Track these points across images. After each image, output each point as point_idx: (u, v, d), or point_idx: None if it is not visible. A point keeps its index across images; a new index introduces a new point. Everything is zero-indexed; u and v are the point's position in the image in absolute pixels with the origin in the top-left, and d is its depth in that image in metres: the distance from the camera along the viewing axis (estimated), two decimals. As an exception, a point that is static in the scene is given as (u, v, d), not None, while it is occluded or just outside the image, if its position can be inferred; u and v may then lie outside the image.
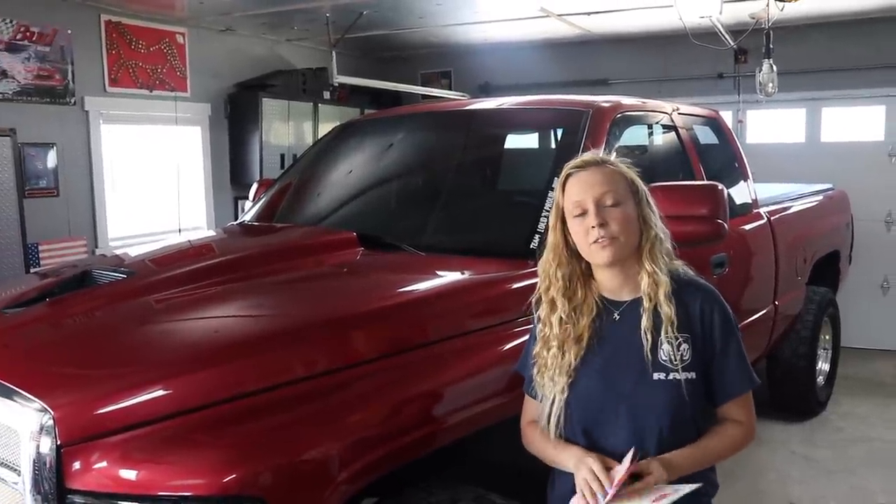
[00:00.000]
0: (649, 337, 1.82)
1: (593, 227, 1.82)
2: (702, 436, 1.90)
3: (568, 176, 1.91)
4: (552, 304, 1.91)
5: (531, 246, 2.65)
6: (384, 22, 6.41)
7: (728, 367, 1.90)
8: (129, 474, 1.69)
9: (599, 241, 1.81)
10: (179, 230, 5.95)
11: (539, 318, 1.96)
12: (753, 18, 5.44)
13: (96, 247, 5.59)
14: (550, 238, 1.94)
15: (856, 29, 6.50)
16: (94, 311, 2.31)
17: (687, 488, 1.75)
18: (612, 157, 1.95)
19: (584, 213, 1.84)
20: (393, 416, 2.01)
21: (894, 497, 4.01)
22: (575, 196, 1.86)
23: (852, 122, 6.85)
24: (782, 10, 4.94)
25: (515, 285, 2.48)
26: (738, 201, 4.04)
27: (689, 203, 2.62)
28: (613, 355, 1.87)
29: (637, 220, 1.87)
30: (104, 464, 1.69)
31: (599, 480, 1.74)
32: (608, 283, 1.91)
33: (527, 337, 2.13)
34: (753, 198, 4.26)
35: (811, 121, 6.97)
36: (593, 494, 1.73)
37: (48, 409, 1.75)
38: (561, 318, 1.88)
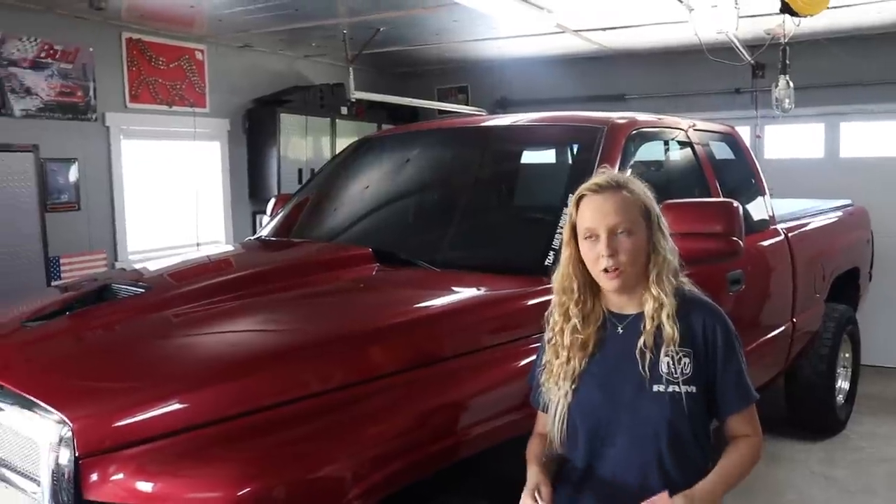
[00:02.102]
0: (648, 354, 1.85)
1: (603, 256, 1.85)
2: (707, 456, 1.90)
3: (582, 196, 1.92)
4: (566, 314, 1.94)
5: (546, 263, 2.66)
6: (401, 38, 6.46)
7: (730, 383, 1.91)
8: (145, 486, 1.71)
9: (608, 270, 1.85)
10: (198, 244, 6.00)
11: (550, 329, 1.99)
12: (769, 34, 5.43)
13: (116, 260, 5.65)
14: (564, 252, 1.96)
15: (873, 43, 6.47)
16: (113, 324, 2.35)
17: None
18: (628, 176, 1.96)
19: (594, 238, 1.87)
20: (407, 431, 2.02)
21: (915, 518, 3.96)
22: (587, 222, 1.88)
23: (872, 137, 6.80)
24: (798, 25, 4.93)
25: (530, 302, 2.49)
26: (754, 217, 4.02)
27: (704, 220, 2.62)
28: (616, 366, 1.91)
29: (647, 245, 1.89)
30: (121, 476, 1.71)
31: None
32: (614, 300, 1.96)
33: None
34: (771, 214, 4.24)
35: (830, 136, 6.94)
36: None
37: (67, 420, 1.77)
38: (575, 326, 1.92)
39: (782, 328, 4.17)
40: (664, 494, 1.75)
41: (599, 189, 1.91)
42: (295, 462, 1.81)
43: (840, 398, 5.15)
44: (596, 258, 1.86)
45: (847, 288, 5.23)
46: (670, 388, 1.84)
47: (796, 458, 4.67)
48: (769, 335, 4.01)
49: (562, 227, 2.69)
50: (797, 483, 4.35)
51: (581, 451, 1.91)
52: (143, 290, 2.59)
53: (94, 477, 1.72)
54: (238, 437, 1.81)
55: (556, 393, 1.93)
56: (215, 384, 1.92)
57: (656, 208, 1.94)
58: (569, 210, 1.96)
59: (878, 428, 5.23)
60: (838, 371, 5.03)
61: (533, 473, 1.92)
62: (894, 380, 6.34)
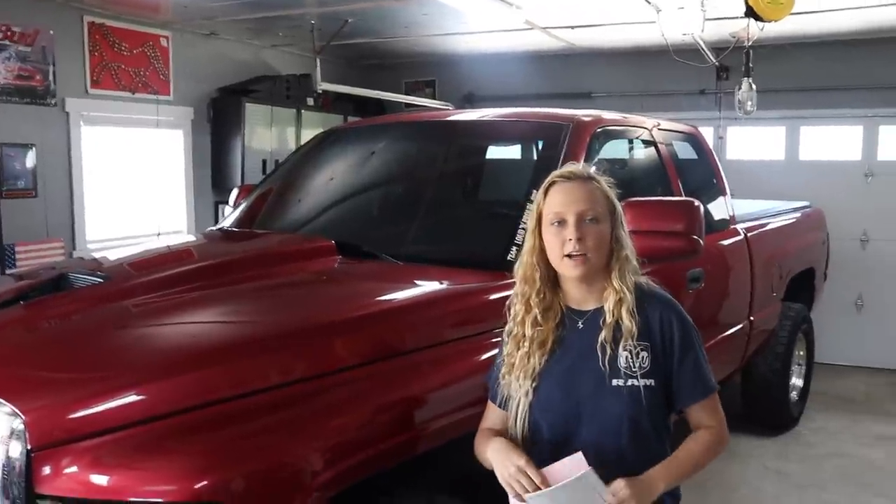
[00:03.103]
0: (608, 348, 1.87)
1: (570, 239, 1.85)
2: (667, 449, 1.93)
3: (552, 184, 1.94)
4: (527, 305, 1.95)
5: (508, 258, 2.67)
6: (369, 30, 6.43)
7: (687, 374, 1.94)
8: (99, 480, 1.69)
9: (574, 255, 1.85)
10: (158, 234, 5.92)
11: (511, 319, 1.99)
12: (734, 37, 5.50)
13: (74, 249, 5.55)
14: (528, 242, 1.97)
15: (836, 49, 6.60)
16: (69, 315, 2.31)
17: None
18: (597, 173, 1.98)
19: (562, 223, 1.88)
20: (366, 424, 2.02)
21: (864, 512, 4.06)
22: (557, 206, 1.89)
23: (830, 141, 6.95)
24: (762, 29, 5.00)
25: (492, 296, 2.49)
26: (715, 217, 4.08)
27: (665, 218, 2.65)
28: (575, 362, 1.92)
29: (610, 239, 1.91)
30: (74, 469, 1.69)
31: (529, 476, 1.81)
32: (574, 293, 1.96)
33: None
34: (731, 214, 4.31)
35: (790, 139, 7.07)
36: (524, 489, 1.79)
37: (19, 413, 1.74)
38: (535, 318, 1.92)
39: (740, 326, 4.24)
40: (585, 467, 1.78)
41: (571, 177, 1.93)
42: (254, 454, 1.80)
43: (794, 395, 5.26)
44: (562, 243, 1.87)
45: (803, 287, 5.34)
46: (629, 382, 1.87)
47: (751, 453, 4.77)
48: (727, 333, 4.08)
49: (525, 222, 2.73)
50: (750, 478, 4.43)
51: (543, 447, 1.91)
52: (100, 280, 2.55)
53: (47, 470, 1.69)
54: (196, 429, 1.79)
55: (516, 390, 1.93)
56: (173, 375, 1.90)
57: (620, 207, 1.96)
58: (536, 199, 1.96)
59: (828, 423, 5.35)
60: (793, 368, 5.13)
61: (504, 447, 1.90)
62: (845, 377, 6.49)
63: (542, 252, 1.93)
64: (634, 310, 1.88)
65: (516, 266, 2.01)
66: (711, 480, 4.14)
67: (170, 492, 1.67)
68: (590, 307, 1.94)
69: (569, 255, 1.86)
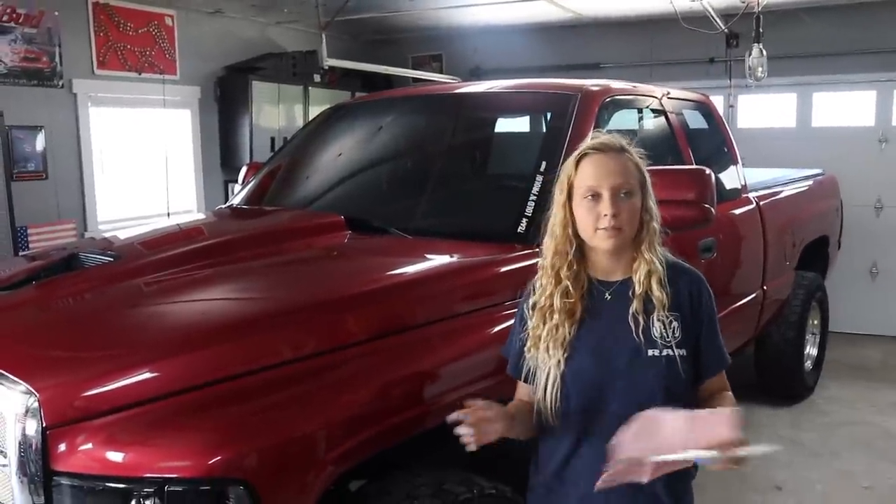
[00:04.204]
0: (641, 319, 1.85)
1: (606, 215, 1.81)
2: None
3: (584, 155, 1.89)
4: (557, 277, 1.91)
5: (518, 230, 2.66)
6: (374, 4, 6.38)
7: (712, 346, 1.94)
8: (114, 456, 1.70)
9: (608, 229, 1.82)
10: (168, 213, 5.93)
11: (536, 292, 1.95)
12: (744, 2, 5.43)
13: (85, 230, 5.57)
14: (559, 214, 1.91)
15: (847, 13, 6.50)
16: (81, 294, 2.32)
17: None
18: (628, 141, 1.93)
19: (595, 197, 1.83)
20: (379, 398, 2.03)
21: (878, 480, 4.05)
22: (590, 179, 1.84)
23: (843, 107, 6.86)
24: (773, -6, 4.94)
25: (503, 269, 2.49)
26: (727, 186, 4.04)
27: (677, 187, 2.61)
28: (607, 333, 1.89)
29: (641, 210, 1.88)
30: (89, 446, 1.70)
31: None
32: (602, 264, 1.92)
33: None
34: (743, 183, 4.27)
35: (802, 106, 6.98)
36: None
37: (34, 391, 1.75)
38: (566, 290, 1.89)
39: (753, 295, 4.22)
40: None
41: (604, 148, 1.87)
42: (267, 430, 1.81)
43: (808, 364, 5.23)
44: (597, 217, 1.82)
45: (817, 256, 5.29)
46: (665, 352, 1.85)
47: (764, 422, 4.76)
48: (740, 302, 4.06)
49: (535, 194, 2.72)
50: (765, 447, 4.42)
51: (573, 419, 1.89)
52: (111, 259, 2.56)
53: (62, 447, 1.70)
54: (209, 405, 1.80)
55: (545, 361, 1.89)
56: (185, 352, 1.90)
57: (649, 177, 1.92)
58: (565, 170, 1.90)
59: (843, 392, 5.34)
60: (807, 338, 5.10)
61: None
62: (859, 346, 6.46)
63: (572, 224, 1.89)
64: (666, 281, 1.86)
65: (546, 239, 1.96)
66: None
67: (184, 467, 1.69)
68: (617, 278, 1.91)
69: (604, 229, 1.83)
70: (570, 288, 1.89)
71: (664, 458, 1.64)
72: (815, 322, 5.30)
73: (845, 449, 4.42)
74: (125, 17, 5.78)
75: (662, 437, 1.66)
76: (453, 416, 1.72)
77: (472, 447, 1.72)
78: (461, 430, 1.71)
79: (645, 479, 1.67)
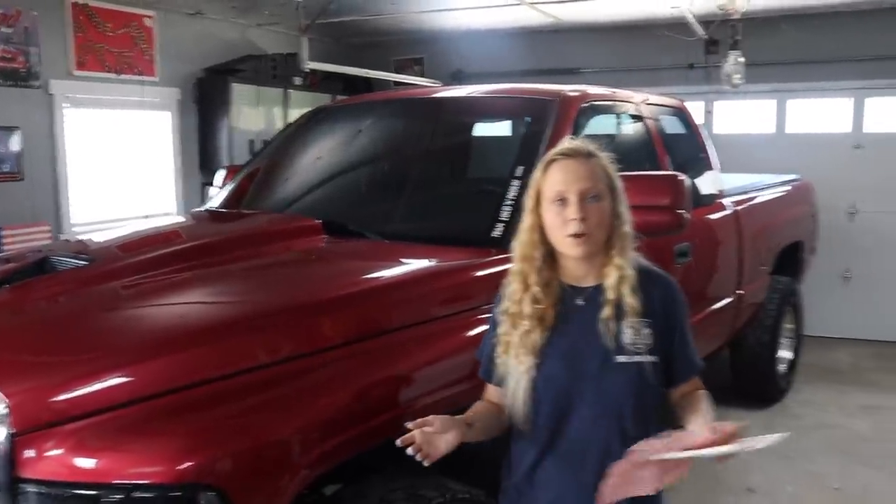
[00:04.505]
0: (612, 325, 1.86)
1: (573, 219, 1.82)
2: (662, 425, 1.93)
3: (552, 161, 1.90)
4: (525, 283, 1.91)
5: (494, 235, 2.67)
6: (356, 7, 6.37)
7: (684, 353, 1.95)
8: (84, 462, 1.69)
9: (576, 234, 1.82)
10: (146, 216, 5.89)
11: (506, 298, 1.96)
12: (722, 10, 5.48)
13: (60, 232, 5.52)
14: (527, 220, 1.92)
15: (824, 22, 6.58)
16: (54, 297, 2.30)
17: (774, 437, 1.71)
18: (597, 146, 1.94)
19: (563, 202, 1.84)
20: (355, 402, 2.03)
21: (847, 482, 4.10)
22: (558, 184, 1.85)
23: (819, 114, 6.95)
24: (750, 1, 4.98)
25: (478, 273, 2.50)
26: (703, 191, 4.07)
27: (651, 193, 2.63)
28: (578, 339, 1.90)
29: (611, 216, 1.88)
30: (59, 452, 1.69)
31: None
32: (573, 270, 1.93)
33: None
34: (719, 188, 4.31)
35: (779, 112, 7.06)
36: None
37: (3, 397, 1.73)
38: (534, 296, 1.89)
39: (728, 300, 4.26)
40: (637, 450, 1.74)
41: (572, 153, 1.88)
42: (240, 434, 1.80)
43: (782, 367, 5.29)
44: (563, 223, 1.83)
45: (791, 261, 5.35)
46: (634, 359, 1.86)
47: (739, 426, 4.79)
48: (715, 306, 4.10)
49: (511, 199, 2.74)
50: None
51: (543, 424, 1.90)
52: (85, 262, 2.54)
53: (31, 454, 1.69)
54: (182, 410, 1.79)
55: (516, 368, 1.90)
56: (158, 356, 1.89)
57: (620, 182, 1.93)
58: (535, 176, 1.92)
59: (816, 395, 5.40)
60: (781, 341, 5.16)
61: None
62: (832, 349, 6.53)
63: (541, 230, 1.90)
64: (637, 287, 1.87)
65: (514, 244, 1.97)
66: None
67: (155, 473, 1.67)
68: (589, 284, 1.92)
69: (572, 235, 1.84)
70: (539, 294, 1.89)
71: (668, 456, 1.66)
72: (790, 326, 5.35)
73: (817, 451, 4.47)
74: (104, 17, 5.74)
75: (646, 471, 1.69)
76: (399, 442, 1.72)
77: (425, 463, 1.73)
78: (409, 452, 1.71)
79: (650, 491, 1.69)
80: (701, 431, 1.72)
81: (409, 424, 1.74)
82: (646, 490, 1.70)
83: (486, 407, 1.98)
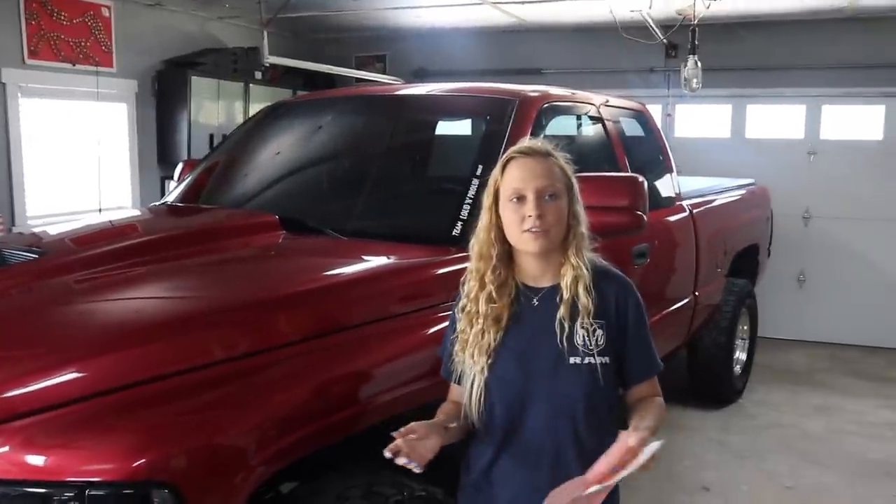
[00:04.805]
0: (566, 325, 1.87)
1: (530, 216, 1.83)
2: (617, 425, 1.94)
3: (511, 159, 1.91)
4: (482, 282, 1.92)
5: (453, 233, 2.67)
6: (317, 3, 6.34)
7: (641, 352, 1.96)
8: (34, 460, 1.65)
9: (533, 230, 1.83)
10: (100, 209, 5.78)
11: (465, 296, 1.96)
12: (680, 15, 5.56)
13: (14, 225, 5.39)
14: (485, 218, 1.93)
15: (782, 29, 6.71)
16: (5, 291, 2.24)
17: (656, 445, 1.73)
18: (555, 147, 1.95)
19: (521, 199, 1.85)
20: (312, 398, 2.01)
21: (800, 480, 4.19)
22: (515, 182, 1.86)
23: (776, 120, 7.08)
24: (708, 7, 5.06)
25: (437, 271, 2.49)
26: (662, 194, 4.13)
27: (610, 194, 2.65)
28: (531, 339, 1.91)
29: (568, 215, 1.90)
30: (6, 449, 1.64)
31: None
32: (530, 269, 1.94)
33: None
34: (677, 191, 4.36)
35: (737, 117, 7.18)
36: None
37: (-53, 392, 1.69)
38: (490, 295, 1.90)
39: (685, 301, 4.32)
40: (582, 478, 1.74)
41: (530, 152, 1.90)
42: (195, 431, 1.77)
43: (737, 368, 5.38)
44: (521, 219, 1.84)
45: (747, 263, 5.45)
46: (586, 360, 1.86)
47: (694, 425, 4.87)
48: (672, 307, 4.15)
49: (471, 198, 2.74)
50: (694, 449, 4.54)
51: (498, 424, 1.91)
52: (37, 255, 2.48)
53: (-23, 451, 1.64)
54: (135, 406, 1.76)
55: (471, 367, 1.91)
56: (111, 352, 1.86)
57: (576, 183, 1.94)
58: (493, 175, 1.93)
59: (770, 396, 5.51)
60: (736, 343, 5.25)
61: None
62: (787, 351, 6.67)
63: (498, 228, 1.90)
64: (591, 287, 1.88)
65: (471, 242, 1.98)
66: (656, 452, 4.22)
67: (107, 470, 1.64)
68: (545, 284, 1.93)
69: (528, 230, 1.84)
70: (494, 293, 1.90)
71: (591, 491, 1.67)
72: (745, 328, 5.45)
73: (770, 451, 4.56)
74: (59, 5, 5.62)
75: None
76: (388, 453, 1.70)
77: (418, 470, 1.71)
78: (401, 462, 1.70)
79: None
80: (609, 454, 1.72)
81: (395, 434, 1.72)
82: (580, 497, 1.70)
83: (453, 408, 1.98)
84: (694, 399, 5.13)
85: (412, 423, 1.77)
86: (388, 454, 1.70)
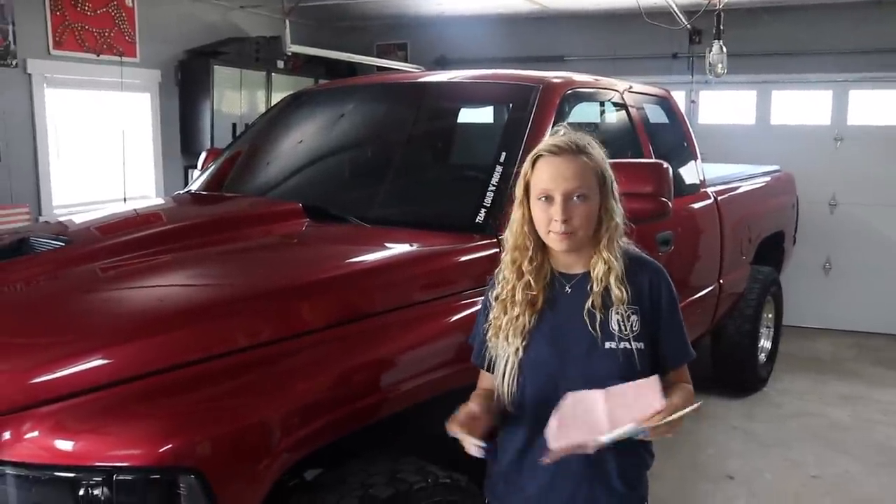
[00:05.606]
0: (598, 314, 1.87)
1: (556, 220, 1.83)
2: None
3: (539, 156, 1.88)
4: (519, 271, 1.92)
5: (477, 220, 2.67)
6: (340, -9, 6.33)
7: (675, 338, 1.96)
8: (62, 445, 1.67)
9: (560, 232, 1.83)
10: (125, 199, 5.82)
11: (498, 284, 1.97)
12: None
13: (40, 215, 5.45)
14: (517, 212, 1.93)
15: (806, 14, 6.61)
16: (31, 279, 2.27)
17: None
18: (588, 139, 1.91)
19: (549, 199, 1.84)
20: (336, 386, 2.02)
21: (825, 469, 4.15)
22: (544, 183, 1.85)
23: (801, 105, 6.99)
24: (733, -9, 4.99)
25: (461, 258, 2.49)
26: (686, 181, 4.09)
27: (635, 180, 2.62)
28: (565, 324, 1.91)
29: (599, 211, 1.88)
30: (36, 434, 1.67)
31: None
32: (562, 259, 1.94)
33: (476, 308, 2.13)
34: (702, 178, 4.32)
35: (762, 103, 7.09)
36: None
37: (-22, 377, 1.71)
38: (528, 283, 1.90)
39: (709, 289, 4.28)
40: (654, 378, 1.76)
41: (559, 151, 1.86)
42: (220, 417, 1.79)
43: (762, 357, 5.34)
44: (549, 221, 1.84)
45: (772, 251, 5.38)
46: (622, 345, 1.86)
47: (718, 414, 4.84)
48: (697, 295, 4.12)
49: (494, 185, 2.74)
50: (718, 438, 4.51)
51: (530, 408, 1.90)
52: (63, 244, 2.51)
53: (7, 436, 1.66)
54: (162, 392, 1.78)
55: (504, 349, 1.91)
56: (139, 339, 1.87)
57: (611, 173, 1.92)
58: (523, 169, 1.92)
59: (795, 384, 5.46)
60: (761, 331, 5.20)
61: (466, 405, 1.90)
62: (812, 339, 6.60)
63: (531, 221, 1.90)
64: (624, 277, 1.87)
65: (506, 234, 1.98)
66: (680, 440, 4.21)
67: (134, 455, 1.66)
68: (577, 271, 1.93)
69: (555, 233, 1.84)
70: (532, 282, 1.90)
71: (599, 441, 1.68)
72: (770, 315, 5.40)
73: (795, 439, 4.52)
74: (83, -3, 5.66)
75: (592, 418, 1.71)
76: (472, 447, 1.74)
77: (480, 453, 1.75)
78: (474, 452, 1.74)
79: (590, 451, 1.72)
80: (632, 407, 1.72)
81: (455, 418, 1.77)
82: (588, 440, 1.70)
83: (485, 395, 1.98)
84: (718, 387, 5.09)
85: (470, 406, 1.82)
86: (473, 448, 1.74)
